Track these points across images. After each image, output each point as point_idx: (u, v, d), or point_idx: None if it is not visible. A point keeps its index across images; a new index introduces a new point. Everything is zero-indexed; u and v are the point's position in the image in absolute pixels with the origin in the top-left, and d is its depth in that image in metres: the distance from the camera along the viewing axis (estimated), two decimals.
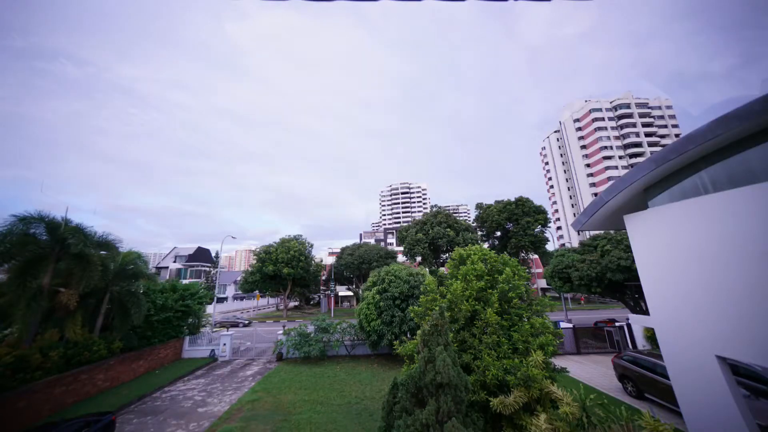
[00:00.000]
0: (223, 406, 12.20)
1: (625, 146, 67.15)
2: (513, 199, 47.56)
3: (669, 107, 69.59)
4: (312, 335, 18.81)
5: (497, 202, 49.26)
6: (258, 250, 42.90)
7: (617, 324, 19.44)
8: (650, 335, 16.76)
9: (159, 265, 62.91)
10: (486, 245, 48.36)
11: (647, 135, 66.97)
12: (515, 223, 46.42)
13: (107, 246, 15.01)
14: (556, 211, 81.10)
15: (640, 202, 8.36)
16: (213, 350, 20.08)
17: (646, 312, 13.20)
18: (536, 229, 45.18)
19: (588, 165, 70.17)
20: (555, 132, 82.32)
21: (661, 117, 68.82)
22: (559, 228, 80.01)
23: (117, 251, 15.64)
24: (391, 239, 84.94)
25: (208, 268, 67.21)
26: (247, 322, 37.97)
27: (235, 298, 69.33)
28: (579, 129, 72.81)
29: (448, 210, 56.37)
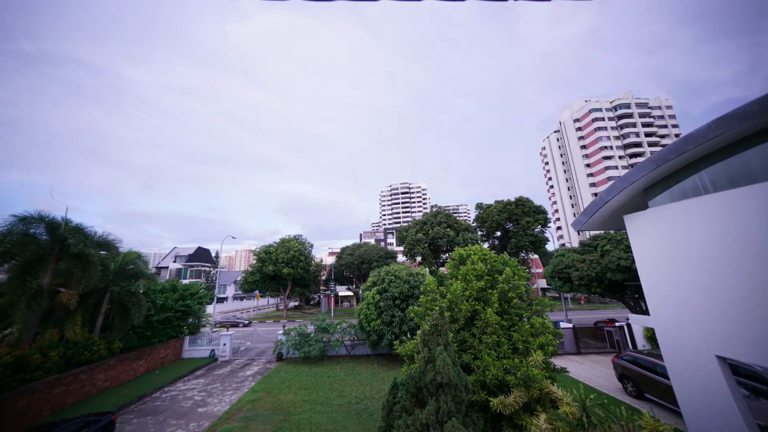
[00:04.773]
0: (223, 406, 12.20)
1: (625, 146, 67.12)
2: (513, 199, 47.55)
3: (669, 107, 69.56)
4: (312, 335, 18.81)
5: (497, 202, 49.26)
6: (258, 250, 42.88)
7: (617, 324, 19.42)
8: (650, 335, 16.76)
9: (159, 265, 62.92)
10: (486, 245, 48.43)
11: (647, 135, 66.94)
12: (515, 223, 46.43)
13: (107, 246, 14.99)
14: (556, 211, 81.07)
15: (640, 202, 8.36)
16: (213, 350, 20.09)
17: (646, 312, 13.23)
18: (536, 229, 45.18)
19: (588, 165, 70.15)
20: (555, 132, 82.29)
21: (661, 117, 68.80)
22: (559, 228, 79.98)
23: (117, 251, 15.63)
24: (391, 239, 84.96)
25: (208, 268, 67.22)
26: (247, 322, 37.96)
27: (235, 298, 69.37)
28: (579, 129, 72.80)
29: (448, 210, 56.30)
